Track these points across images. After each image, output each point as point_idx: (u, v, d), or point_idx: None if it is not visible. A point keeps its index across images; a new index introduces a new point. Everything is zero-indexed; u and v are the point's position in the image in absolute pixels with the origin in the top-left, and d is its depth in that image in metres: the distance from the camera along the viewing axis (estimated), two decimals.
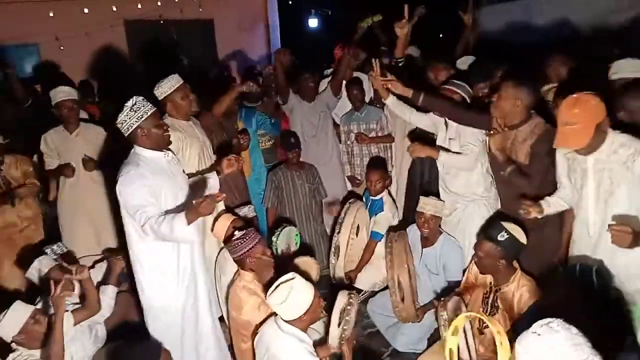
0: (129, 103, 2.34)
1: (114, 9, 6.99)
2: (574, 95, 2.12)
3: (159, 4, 7.25)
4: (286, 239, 3.36)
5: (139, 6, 7.11)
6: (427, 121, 3.17)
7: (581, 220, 2.34)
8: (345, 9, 8.38)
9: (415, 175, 3.66)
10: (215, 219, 2.98)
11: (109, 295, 2.73)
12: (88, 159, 3.50)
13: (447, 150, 3.00)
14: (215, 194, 2.18)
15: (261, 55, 8.68)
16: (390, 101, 3.07)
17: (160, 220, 2.19)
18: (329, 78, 4.29)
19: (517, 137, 2.71)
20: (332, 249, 3.54)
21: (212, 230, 2.97)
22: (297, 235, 3.45)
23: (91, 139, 3.61)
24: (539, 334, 1.37)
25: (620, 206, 2.16)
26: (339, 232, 3.53)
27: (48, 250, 2.95)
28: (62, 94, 3.44)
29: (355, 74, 4.27)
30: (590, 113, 2.08)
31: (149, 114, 2.35)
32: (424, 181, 3.57)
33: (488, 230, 2.52)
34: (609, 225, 2.06)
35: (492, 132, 2.78)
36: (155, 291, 2.50)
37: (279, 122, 4.26)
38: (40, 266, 2.74)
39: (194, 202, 2.15)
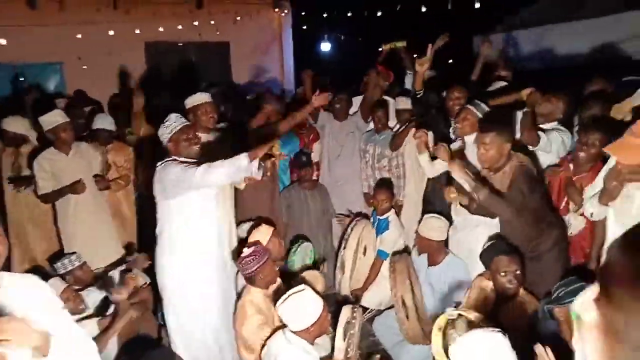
0: (166, 120, 2.69)
1: (137, 31, 7.28)
2: None
3: (180, 27, 7.54)
4: (302, 255, 3.42)
5: (161, 29, 7.39)
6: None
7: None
8: (357, 34, 8.61)
9: (431, 203, 3.70)
10: (250, 230, 3.07)
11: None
12: (99, 177, 3.70)
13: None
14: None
15: (275, 77, 8.91)
16: (423, 159, 3.11)
17: (216, 163, 2.56)
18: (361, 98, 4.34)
19: (504, 178, 2.68)
20: (338, 264, 3.60)
21: (246, 240, 3.05)
22: (311, 250, 3.51)
23: (86, 158, 3.70)
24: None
25: None
26: (344, 248, 3.60)
27: (59, 264, 3.00)
28: (59, 117, 3.52)
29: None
30: None
31: (177, 128, 2.67)
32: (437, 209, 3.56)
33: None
34: None
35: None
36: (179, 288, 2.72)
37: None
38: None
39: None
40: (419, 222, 3.34)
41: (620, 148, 2.05)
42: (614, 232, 2.32)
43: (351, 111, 4.31)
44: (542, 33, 5.07)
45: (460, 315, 1.82)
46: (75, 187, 3.47)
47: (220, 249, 2.87)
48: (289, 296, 2.21)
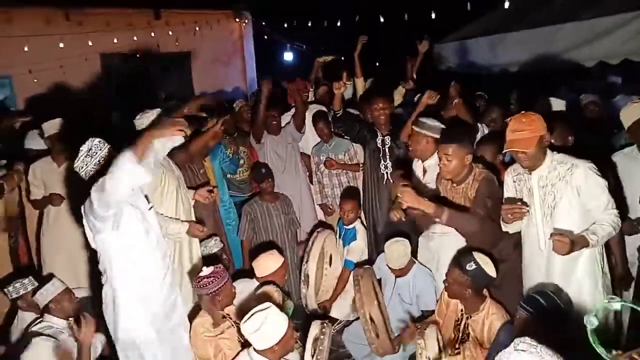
0: (85, 147, 2.28)
1: (90, 43, 7.05)
2: (522, 112, 2.44)
3: (135, 38, 7.36)
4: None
5: (115, 40, 7.19)
6: None
7: (532, 236, 2.53)
8: (320, 44, 8.67)
9: (369, 209, 3.77)
10: (253, 254, 3.00)
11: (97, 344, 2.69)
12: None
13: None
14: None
15: (238, 87, 8.82)
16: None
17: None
18: (292, 112, 4.48)
19: (468, 190, 2.73)
20: (302, 278, 3.57)
21: (250, 262, 3.03)
22: (290, 309, 3.30)
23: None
24: (522, 350, 1.42)
25: (564, 218, 2.39)
26: (307, 261, 3.57)
27: (11, 288, 2.89)
28: (58, 126, 3.52)
29: (318, 107, 4.49)
30: (535, 124, 2.36)
31: (107, 153, 2.28)
32: (378, 213, 3.69)
33: (459, 258, 2.61)
34: (551, 235, 2.28)
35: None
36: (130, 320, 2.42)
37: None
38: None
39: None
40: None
41: (513, 143, 2.38)
42: (544, 235, 2.47)
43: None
44: (493, 42, 5.26)
45: None
46: (52, 198, 3.44)
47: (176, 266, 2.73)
48: (252, 314, 2.15)
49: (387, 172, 3.62)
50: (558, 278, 2.44)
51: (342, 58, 4.73)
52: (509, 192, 2.66)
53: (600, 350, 1.68)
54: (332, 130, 4.24)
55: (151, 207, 2.51)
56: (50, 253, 3.58)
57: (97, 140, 2.30)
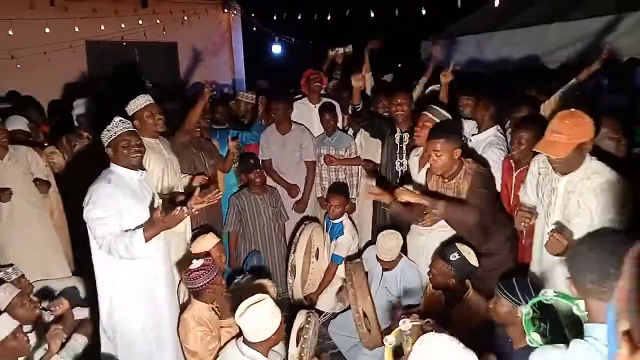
0: (111, 122, 2.48)
1: (76, 29, 6.92)
2: (572, 109, 2.18)
3: (123, 25, 7.25)
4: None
5: (102, 27, 7.07)
6: None
7: (543, 235, 2.38)
8: (308, 37, 8.65)
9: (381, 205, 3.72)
10: (194, 237, 2.99)
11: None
12: (40, 182, 3.52)
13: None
14: (182, 209, 2.29)
15: (225, 79, 8.75)
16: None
17: (118, 237, 2.30)
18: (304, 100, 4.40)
19: (460, 184, 2.72)
20: (289, 269, 3.59)
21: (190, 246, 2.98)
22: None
23: (23, 161, 3.52)
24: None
25: (582, 227, 2.18)
26: (294, 252, 3.57)
27: (2, 274, 2.85)
28: None
29: (327, 99, 4.41)
30: (578, 128, 2.12)
31: (117, 133, 2.45)
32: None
33: (443, 250, 2.65)
34: (550, 231, 2.16)
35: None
36: (120, 314, 2.48)
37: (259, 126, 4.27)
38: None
39: (155, 216, 2.27)
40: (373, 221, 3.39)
41: (546, 146, 2.19)
42: (542, 225, 2.44)
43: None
44: (481, 40, 5.33)
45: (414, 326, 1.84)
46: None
47: (167, 263, 2.70)
48: (249, 306, 2.13)
49: (402, 170, 3.56)
50: (546, 268, 2.42)
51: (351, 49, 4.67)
52: (532, 178, 2.54)
53: (532, 335, 1.75)
54: (336, 124, 4.16)
55: None
56: (10, 249, 3.46)
57: (118, 118, 2.51)
